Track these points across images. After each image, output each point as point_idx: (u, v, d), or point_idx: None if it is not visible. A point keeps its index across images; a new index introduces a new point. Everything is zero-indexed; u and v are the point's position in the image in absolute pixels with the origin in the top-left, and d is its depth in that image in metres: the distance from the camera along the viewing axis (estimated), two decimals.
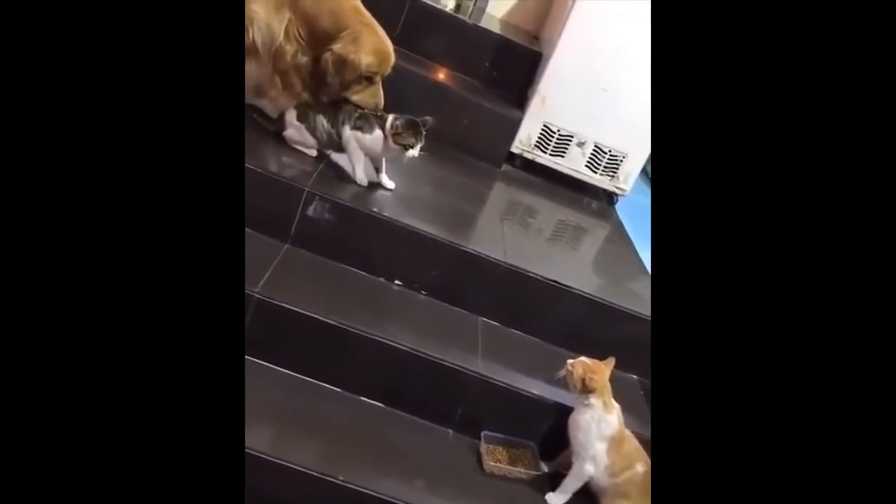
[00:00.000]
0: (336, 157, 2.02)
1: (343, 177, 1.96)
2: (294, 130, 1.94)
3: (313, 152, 1.98)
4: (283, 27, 1.84)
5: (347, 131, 1.90)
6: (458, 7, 2.96)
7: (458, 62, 2.67)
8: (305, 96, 1.95)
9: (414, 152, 1.86)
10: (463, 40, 2.68)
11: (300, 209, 1.78)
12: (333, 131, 1.92)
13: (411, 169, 2.09)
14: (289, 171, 1.83)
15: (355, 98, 1.92)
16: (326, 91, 1.91)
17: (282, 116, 1.96)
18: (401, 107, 1.94)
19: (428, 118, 1.89)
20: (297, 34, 1.86)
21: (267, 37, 1.84)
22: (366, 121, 1.90)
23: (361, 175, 1.95)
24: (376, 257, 1.85)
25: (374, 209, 1.84)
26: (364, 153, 1.93)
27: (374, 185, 1.96)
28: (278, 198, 1.78)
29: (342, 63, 1.84)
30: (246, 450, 1.37)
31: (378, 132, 1.88)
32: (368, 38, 1.87)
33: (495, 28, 2.82)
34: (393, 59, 1.95)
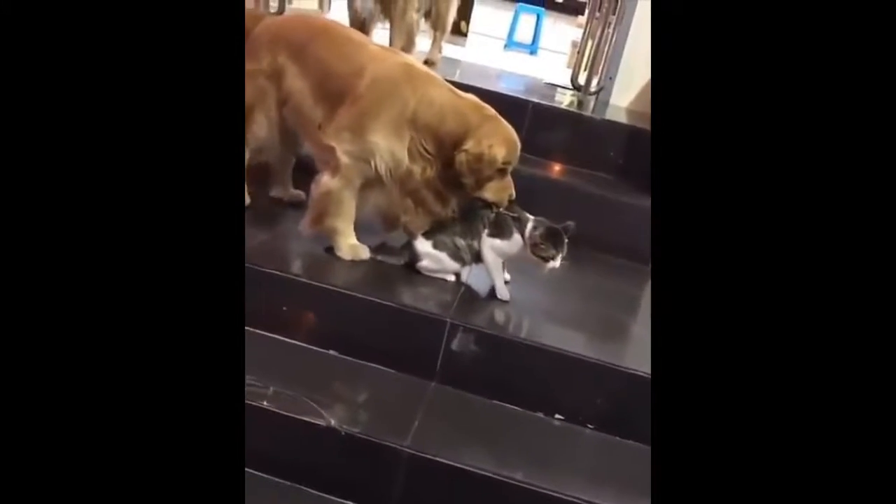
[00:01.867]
0: (467, 276, 1.88)
1: (483, 300, 1.80)
2: (430, 261, 1.82)
3: (452, 277, 1.85)
4: (406, 148, 1.78)
5: (486, 240, 1.77)
6: (579, 104, 2.86)
7: (583, 158, 2.53)
8: (439, 209, 1.84)
9: (555, 264, 1.71)
10: (587, 134, 2.54)
11: (444, 343, 1.63)
12: (474, 243, 1.79)
13: (553, 279, 1.90)
14: (427, 302, 1.70)
15: (489, 195, 1.80)
16: (460, 194, 1.82)
17: (409, 246, 1.84)
18: (531, 212, 1.79)
19: (570, 224, 1.74)
20: (421, 150, 1.78)
21: (392, 163, 1.77)
22: (503, 225, 1.77)
23: (503, 289, 1.80)
24: (531, 389, 1.64)
25: (523, 335, 1.65)
26: (502, 260, 1.80)
27: (520, 307, 1.78)
28: (419, 333, 1.64)
29: (478, 160, 1.74)
30: None
31: (517, 237, 1.74)
32: (498, 131, 1.78)
33: (621, 118, 2.67)
34: (519, 146, 1.84)
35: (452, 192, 1.82)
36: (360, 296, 1.66)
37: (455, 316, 1.65)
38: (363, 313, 1.66)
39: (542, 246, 1.70)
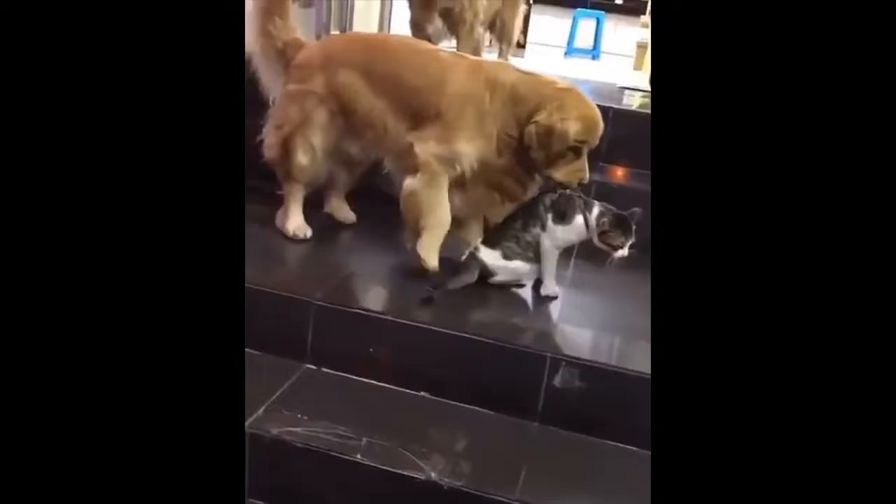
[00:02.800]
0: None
1: (584, 325, 1.66)
2: (505, 274, 1.72)
3: (526, 279, 1.78)
4: (495, 146, 1.72)
5: (550, 224, 1.69)
6: None
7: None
8: (521, 193, 1.78)
9: (623, 252, 1.62)
10: None
11: (545, 380, 1.49)
12: (535, 230, 1.69)
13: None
14: (523, 334, 1.56)
15: (558, 175, 1.71)
16: (536, 174, 1.76)
17: (474, 261, 1.72)
18: None
19: (636, 210, 1.65)
20: (507, 139, 1.71)
21: (479, 166, 1.73)
22: (566, 207, 1.68)
23: (553, 286, 1.74)
24: (647, 431, 1.47)
25: (633, 366, 1.49)
26: (558, 251, 1.72)
27: (619, 330, 1.62)
28: (517, 370, 1.50)
29: (549, 133, 1.65)
30: None
31: (578, 221, 1.66)
32: (574, 104, 1.68)
33: None
34: (601, 127, 1.72)
35: (529, 173, 1.75)
36: (448, 332, 1.53)
37: (555, 348, 1.50)
38: (454, 351, 1.53)
39: (611, 233, 1.62)
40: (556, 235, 1.69)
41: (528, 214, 1.71)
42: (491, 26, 2.82)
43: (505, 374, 1.51)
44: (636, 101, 2.92)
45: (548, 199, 1.71)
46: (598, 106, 1.75)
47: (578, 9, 6.09)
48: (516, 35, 2.94)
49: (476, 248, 1.73)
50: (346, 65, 1.83)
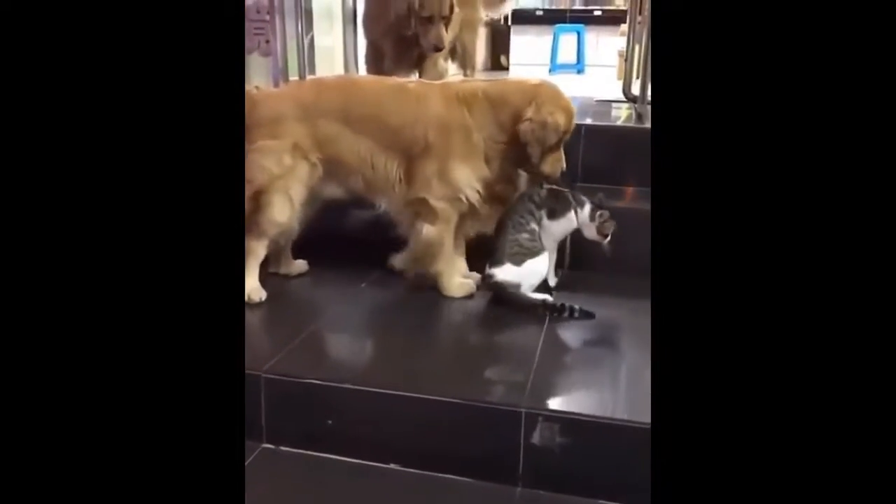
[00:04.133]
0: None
1: (562, 371, 1.50)
2: (528, 278, 1.76)
3: (553, 280, 1.88)
4: (483, 157, 1.78)
5: (545, 221, 1.80)
6: (638, 116, 2.54)
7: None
8: (511, 193, 1.86)
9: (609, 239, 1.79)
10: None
11: (522, 439, 1.33)
12: (530, 225, 1.78)
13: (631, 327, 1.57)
14: (494, 389, 1.40)
15: (546, 168, 1.79)
16: (525, 168, 1.83)
17: (494, 285, 1.77)
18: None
19: (600, 194, 1.81)
20: (493, 145, 1.78)
21: (480, 186, 1.80)
22: (557, 202, 1.80)
23: (551, 274, 1.86)
24: (640, 486, 1.31)
25: (615, 415, 1.32)
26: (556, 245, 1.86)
27: (609, 372, 1.46)
28: (491, 430, 1.35)
29: (543, 127, 1.72)
30: None
31: (570, 216, 1.79)
32: (553, 97, 1.77)
33: None
34: (575, 115, 1.83)
35: (517, 171, 1.84)
36: (412, 395, 1.38)
37: (530, 402, 1.34)
38: (420, 415, 1.38)
39: (606, 223, 1.76)
40: (551, 231, 1.81)
41: (516, 215, 1.78)
42: (452, 53, 2.73)
43: (479, 437, 1.36)
44: (623, 114, 2.81)
45: (536, 197, 1.79)
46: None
47: (558, 25, 6.00)
48: (477, 59, 2.87)
49: (489, 275, 1.77)
50: (323, 113, 1.79)
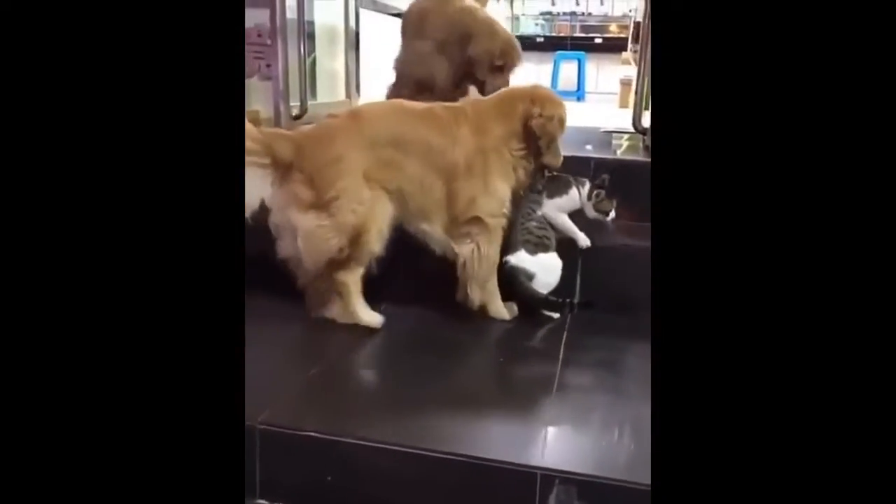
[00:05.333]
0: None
1: (576, 426, 1.41)
2: (542, 273, 1.86)
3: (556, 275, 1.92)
4: (519, 174, 1.90)
5: (546, 203, 1.92)
6: (646, 148, 2.48)
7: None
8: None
9: (612, 214, 1.93)
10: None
11: (537, 502, 1.23)
12: (538, 214, 1.90)
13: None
14: (507, 446, 1.31)
15: (549, 158, 1.92)
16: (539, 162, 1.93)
17: (514, 278, 1.87)
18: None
19: (605, 175, 1.93)
20: (525, 161, 1.89)
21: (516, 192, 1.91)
22: (556, 183, 1.94)
23: (582, 235, 1.93)
24: None
25: (639, 479, 1.23)
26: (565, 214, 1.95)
27: (631, 436, 1.37)
28: (502, 492, 1.25)
29: (550, 121, 1.86)
30: None
31: (573, 193, 1.92)
32: (549, 96, 1.93)
33: None
34: None
35: (534, 175, 1.94)
36: (418, 451, 1.29)
37: (546, 461, 1.25)
38: (427, 472, 1.29)
39: (605, 201, 1.90)
40: (558, 205, 1.92)
41: (524, 207, 1.90)
42: None
43: (489, 498, 1.26)
44: (623, 144, 2.75)
45: (539, 185, 1.93)
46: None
47: (558, 52, 5.99)
48: None
49: (505, 262, 1.87)
50: (380, 140, 1.79)
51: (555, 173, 1.95)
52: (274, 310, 1.88)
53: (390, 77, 2.56)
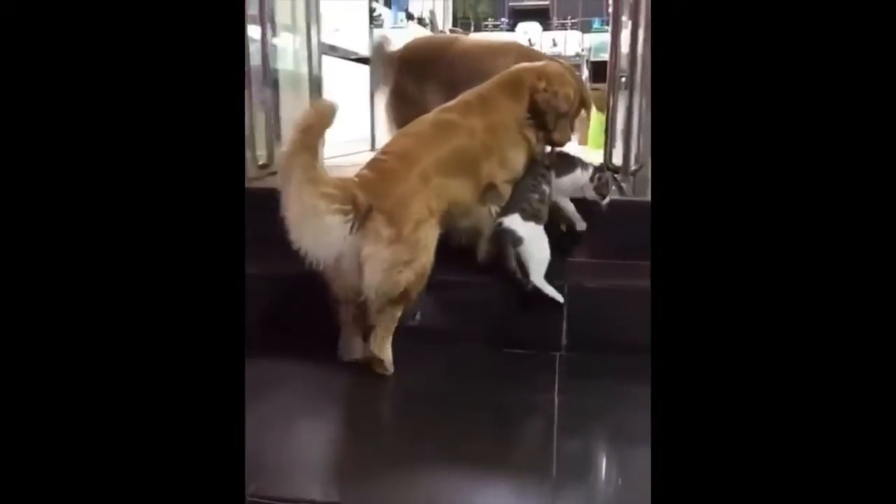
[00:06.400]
0: None
1: (579, 476, 1.35)
2: (532, 243, 1.87)
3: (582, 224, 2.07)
4: (530, 146, 1.98)
5: (554, 179, 1.99)
6: (619, 188, 2.47)
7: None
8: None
9: (608, 198, 2.04)
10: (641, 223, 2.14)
11: None
12: (543, 188, 1.95)
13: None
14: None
15: (557, 135, 2.00)
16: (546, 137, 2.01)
17: (497, 238, 1.91)
18: None
19: (602, 163, 2.16)
20: (537, 132, 1.98)
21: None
22: (565, 162, 2.03)
23: (581, 220, 2.07)
24: None
25: None
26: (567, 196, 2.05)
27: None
28: None
29: (555, 97, 1.94)
30: None
31: (578, 172, 2.01)
32: (560, 74, 2.00)
33: None
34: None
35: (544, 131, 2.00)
36: None
37: None
38: None
39: (604, 186, 2.01)
40: (562, 186, 2.01)
41: (529, 178, 1.96)
42: None
43: None
44: None
45: (546, 160, 2.02)
46: None
47: None
48: None
49: (499, 222, 1.89)
50: (429, 167, 1.80)
51: (562, 151, 2.06)
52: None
53: (355, 121, 2.54)
